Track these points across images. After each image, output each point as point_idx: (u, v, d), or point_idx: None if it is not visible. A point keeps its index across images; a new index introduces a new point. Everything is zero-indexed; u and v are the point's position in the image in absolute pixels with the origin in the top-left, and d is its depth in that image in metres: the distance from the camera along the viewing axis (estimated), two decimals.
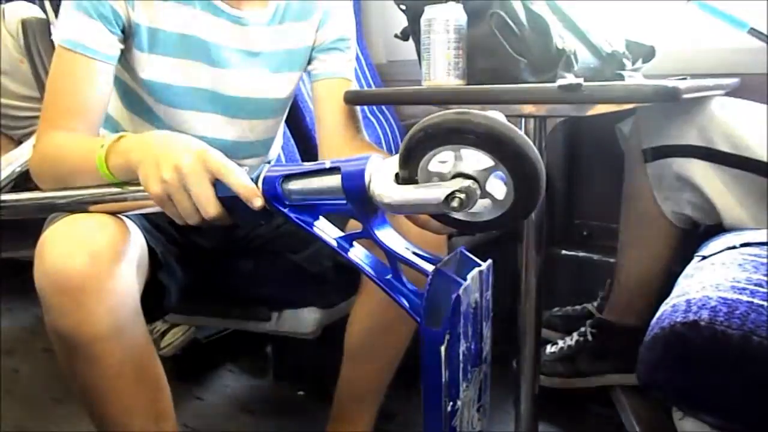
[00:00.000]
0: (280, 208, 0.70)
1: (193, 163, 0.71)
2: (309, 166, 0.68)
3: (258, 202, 0.70)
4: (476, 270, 0.64)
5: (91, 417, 0.88)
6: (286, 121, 1.34)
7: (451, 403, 0.61)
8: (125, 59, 1.03)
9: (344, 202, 0.65)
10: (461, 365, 0.62)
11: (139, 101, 1.07)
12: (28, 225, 0.94)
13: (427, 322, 0.60)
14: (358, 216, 0.67)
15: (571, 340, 1.49)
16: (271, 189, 0.69)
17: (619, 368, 1.43)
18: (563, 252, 1.84)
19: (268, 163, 1.30)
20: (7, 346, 2.01)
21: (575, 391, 1.48)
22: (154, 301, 0.96)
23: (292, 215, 0.70)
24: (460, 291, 0.59)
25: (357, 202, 0.65)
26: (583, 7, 1.21)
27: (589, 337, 1.46)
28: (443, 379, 0.59)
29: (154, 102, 1.06)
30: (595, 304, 1.58)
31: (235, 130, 1.12)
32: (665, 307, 0.82)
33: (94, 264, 0.75)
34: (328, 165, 0.66)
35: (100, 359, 0.79)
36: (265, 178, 0.70)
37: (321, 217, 0.71)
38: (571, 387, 1.48)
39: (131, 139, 0.82)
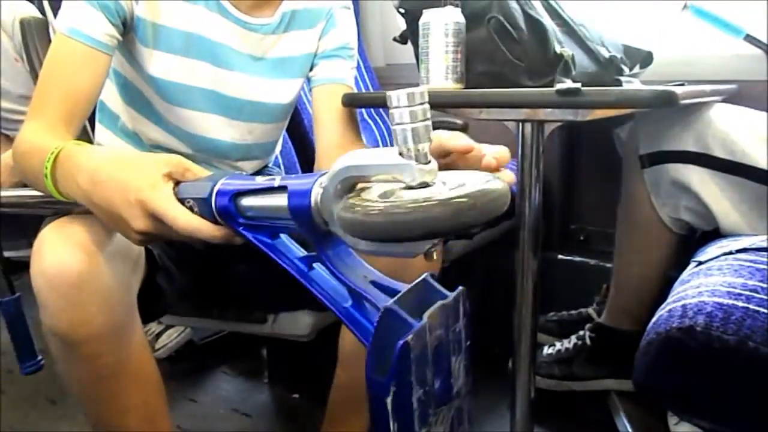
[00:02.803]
0: (234, 225, 0.65)
1: (135, 216, 0.69)
2: (259, 183, 0.63)
3: (208, 235, 0.67)
4: (437, 306, 0.56)
5: (86, 416, 0.87)
6: None
7: None
8: (129, 53, 1.03)
9: (294, 223, 0.60)
10: (417, 412, 0.55)
11: (139, 96, 1.07)
12: (25, 224, 0.93)
13: (375, 368, 0.53)
14: (308, 238, 0.60)
15: (569, 343, 1.50)
16: (224, 205, 0.65)
17: (615, 374, 1.43)
18: (559, 256, 1.84)
19: (266, 167, 1.30)
20: (1, 347, 2.00)
21: (571, 394, 1.48)
22: (150, 302, 0.95)
23: (247, 234, 0.65)
24: (409, 337, 0.51)
25: (305, 225, 0.59)
26: (582, 13, 1.22)
27: (588, 341, 1.46)
28: (392, 430, 0.53)
29: (156, 98, 1.05)
30: (594, 308, 1.58)
31: (233, 132, 1.12)
32: (661, 312, 0.82)
33: (91, 263, 0.75)
34: (277, 183, 0.61)
35: (96, 359, 0.78)
36: (217, 193, 0.65)
37: (285, 235, 0.66)
38: (567, 390, 1.48)
39: (66, 175, 0.77)
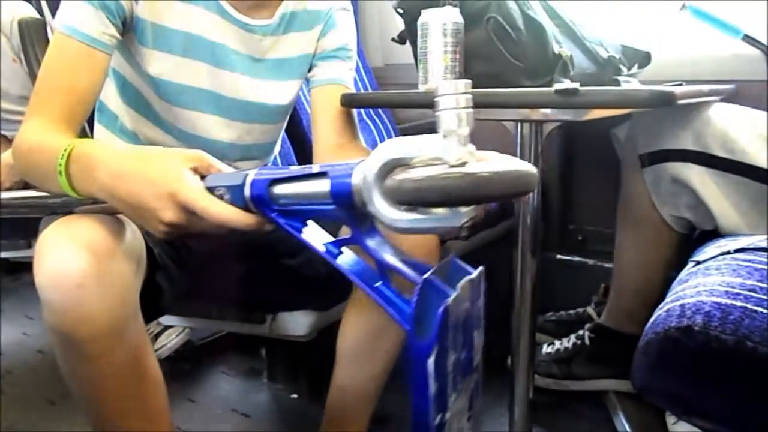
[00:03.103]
0: (268, 212, 0.69)
1: (165, 208, 0.70)
2: (296, 170, 0.67)
3: (240, 223, 0.70)
4: (466, 279, 0.62)
5: (87, 416, 0.87)
6: None
7: (439, 416, 0.59)
8: (129, 53, 1.03)
9: (333, 207, 0.64)
10: (451, 376, 0.60)
11: (139, 96, 1.07)
12: (24, 224, 0.93)
13: (415, 332, 0.58)
14: (346, 222, 0.65)
15: (568, 342, 1.50)
16: (259, 193, 0.68)
17: (614, 374, 1.43)
18: (558, 256, 1.84)
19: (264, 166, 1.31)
20: (1, 348, 2.00)
21: (569, 394, 1.48)
22: (150, 301, 0.95)
23: (280, 220, 0.68)
24: (449, 302, 0.57)
25: (345, 208, 0.63)
26: (580, 13, 1.22)
27: (587, 341, 1.47)
28: (431, 392, 0.57)
29: (156, 98, 1.05)
30: (593, 308, 1.58)
31: (232, 132, 1.12)
32: (659, 311, 0.82)
33: (94, 262, 0.75)
34: (315, 169, 0.65)
35: (98, 358, 0.78)
36: (252, 182, 0.69)
37: (311, 221, 0.70)
38: (565, 389, 1.48)
39: (84, 171, 0.78)
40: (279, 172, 0.68)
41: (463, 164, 0.56)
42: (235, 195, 0.69)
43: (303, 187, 0.66)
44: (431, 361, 0.56)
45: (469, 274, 0.64)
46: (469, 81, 0.55)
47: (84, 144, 0.80)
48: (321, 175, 0.64)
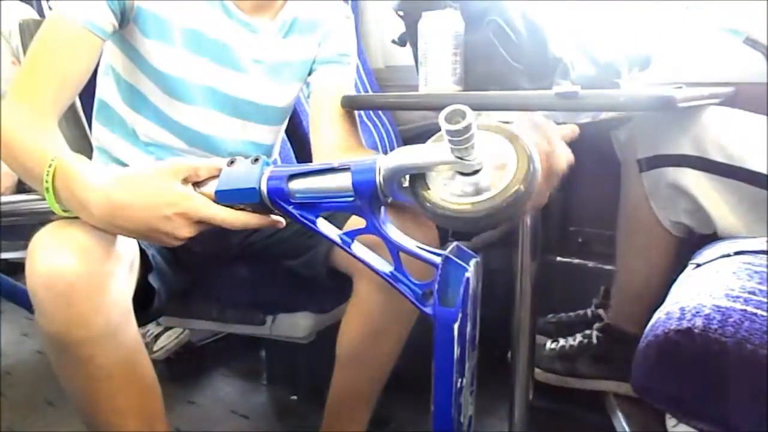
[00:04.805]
0: (284, 205, 0.72)
1: (180, 227, 0.74)
2: (316, 165, 0.71)
3: (251, 225, 0.74)
4: (475, 259, 0.68)
5: (82, 419, 0.87)
6: None
7: (459, 381, 0.64)
8: (130, 45, 1.03)
9: (350, 200, 0.68)
10: (467, 345, 0.65)
11: (137, 92, 1.07)
12: (23, 225, 0.93)
13: (441, 302, 0.64)
14: (363, 213, 0.69)
15: (574, 340, 1.49)
16: (277, 187, 0.71)
17: (617, 376, 1.43)
18: (558, 259, 1.84)
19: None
20: (1, 349, 2.00)
21: (569, 396, 1.47)
22: (144, 303, 0.95)
23: (296, 212, 0.72)
24: (469, 274, 0.63)
25: (365, 200, 0.68)
26: (580, 15, 1.22)
27: (594, 341, 1.46)
28: (455, 356, 0.62)
29: (155, 90, 1.05)
30: (594, 310, 1.58)
31: (228, 129, 1.13)
32: (659, 314, 0.82)
33: (86, 264, 0.75)
34: (336, 164, 0.69)
35: (91, 360, 0.78)
36: (270, 176, 0.71)
37: (320, 216, 0.73)
38: (566, 386, 1.47)
39: (71, 200, 0.77)
40: (298, 168, 0.72)
41: (475, 172, 0.61)
42: (248, 193, 0.72)
43: (322, 181, 0.70)
44: (456, 326, 0.62)
45: (473, 257, 0.69)
46: (472, 113, 0.57)
47: (66, 167, 0.77)
48: (342, 169, 0.68)
